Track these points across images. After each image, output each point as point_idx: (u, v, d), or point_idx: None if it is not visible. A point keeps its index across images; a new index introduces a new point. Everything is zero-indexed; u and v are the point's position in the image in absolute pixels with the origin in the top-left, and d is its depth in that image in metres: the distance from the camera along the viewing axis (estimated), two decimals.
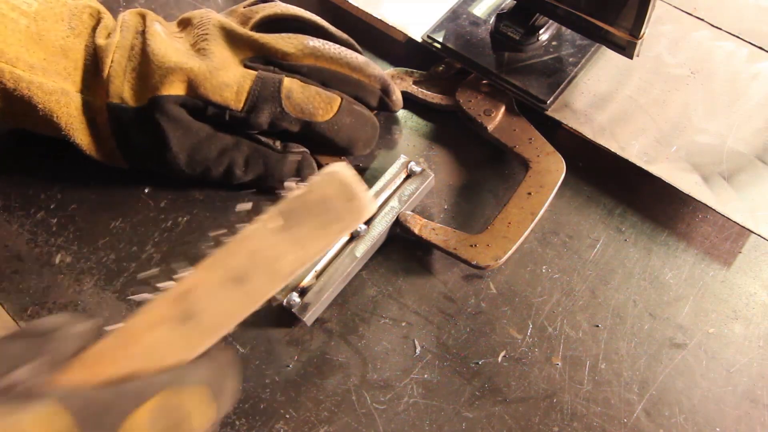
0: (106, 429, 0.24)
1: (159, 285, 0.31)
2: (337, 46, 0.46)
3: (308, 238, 0.32)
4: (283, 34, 0.46)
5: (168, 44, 0.44)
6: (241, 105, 0.43)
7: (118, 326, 0.29)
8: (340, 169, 0.32)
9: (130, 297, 0.38)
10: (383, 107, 0.47)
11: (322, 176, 0.32)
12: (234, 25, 0.45)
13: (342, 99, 0.44)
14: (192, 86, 0.43)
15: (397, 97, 0.48)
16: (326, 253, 0.38)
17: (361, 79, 0.46)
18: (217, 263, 0.31)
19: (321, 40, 0.46)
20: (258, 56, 0.45)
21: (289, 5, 0.48)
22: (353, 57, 0.46)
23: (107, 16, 0.45)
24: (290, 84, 0.44)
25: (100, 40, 0.43)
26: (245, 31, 0.45)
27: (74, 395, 0.24)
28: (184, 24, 0.47)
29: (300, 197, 0.32)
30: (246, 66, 0.44)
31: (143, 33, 0.44)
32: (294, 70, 0.45)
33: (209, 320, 0.30)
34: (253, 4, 0.49)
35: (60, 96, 0.42)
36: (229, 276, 0.30)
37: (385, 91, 0.47)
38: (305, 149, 0.46)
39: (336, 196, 0.32)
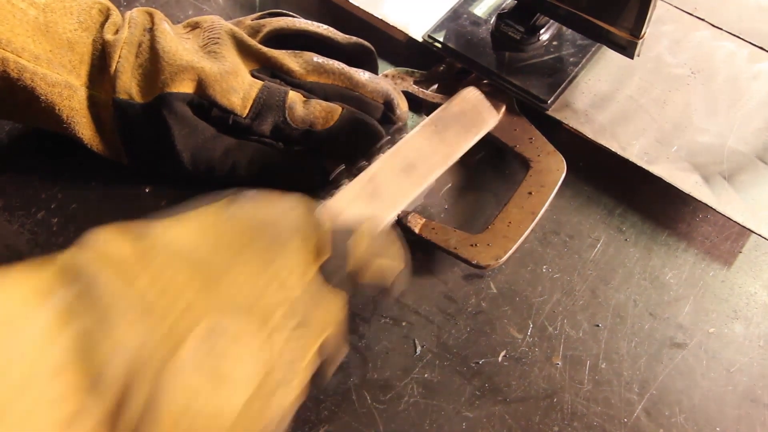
0: (347, 233, 0.32)
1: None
2: (340, 63, 0.46)
3: (453, 138, 0.43)
4: (291, 51, 0.46)
5: (178, 43, 0.44)
6: (246, 111, 0.43)
7: (326, 202, 0.38)
8: (472, 91, 0.45)
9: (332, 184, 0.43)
10: (387, 121, 0.48)
11: (460, 95, 0.44)
12: (244, 35, 0.46)
13: (343, 108, 0.45)
14: (201, 86, 0.43)
15: (402, 110, 0.48)
16: (467, 149, 0.45)
17: (364, 95, 0.46)
18: (391, 157, 0.41)
19: (325, 58, 0.46)
20: (264, 68, 0.46)
21: (295, 19, 0.49)
22: (355, 74, 0.46)
23: (115, 13, 0.45)
24: (294, 96, 0.44)
25: (108, 36, 0.43)
26: (255, 42, 0.46)
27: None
28: (192, 27, 0.48)
29: (445, 110, 0.43)
30: (253, 76, 0.45)
31: (151, 30, 0.44)
32: (298, 86, 0.46)
33: (389, 198, 0.40)
34: (260, 17, 0.49)
35: (63, 89, 0.43)
36: (400, 166, 0.41)
37: (389, 105, 0.47)
38: (306, 148, 0.46)
39: (471, 109, 0.44)
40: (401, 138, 0.44)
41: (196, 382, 0.26)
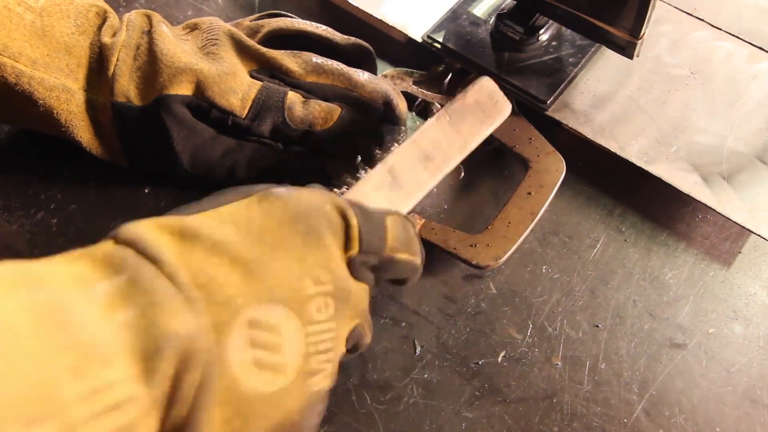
0: (374, 228, 0.33)
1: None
2: (339, 63, 0.46)
3: (468, 129, 0.43)
4: (289, 51, 0.46)
5: (177, 45, 0.44)
6: (245, 112, 0.43)
7: (351, 191, 0.39)
8: (487, 81, 0.44)
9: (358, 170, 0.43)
10: (386, 121, 0.48)
11: (474, 86, 0.44)
12: (243, 36, 0.46)
13: (342, 109, 0.45)
14: (200, 88, 0.43)
15: (401, 111, 0.48)
16: (482, 140, 0.44)
17: (363, 95, 0.46)
18: (408, 148, 0.41)
19: (324, 58, 0.46)
20: (263, 69, 0.46)
21: (294, 20, 0.49)
22: (354, 74, 0.46)
23: (113, 16, 0.45)
24: (294, 97, 0.44)
25: (106, 39, 0.43)
26: (253, 43, 0.46)
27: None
28: (191, 28, 0.48)
29: (460, 101, 0.43)
30: (252, 76, 0.45)
31: (149, 33, 0.44)
32: (297, 87, 0.45)
33: (408, 187, 0.40)
34: (259, 18, 0.49)
35: (61, 92, 0.42)
36: (418, 156, 0.41)
37: (388, 106, 0.47)
38: (305, 149, 0.46)
39: (486, 99, 0.44)
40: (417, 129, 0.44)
41: (241, 369, 0.27)
